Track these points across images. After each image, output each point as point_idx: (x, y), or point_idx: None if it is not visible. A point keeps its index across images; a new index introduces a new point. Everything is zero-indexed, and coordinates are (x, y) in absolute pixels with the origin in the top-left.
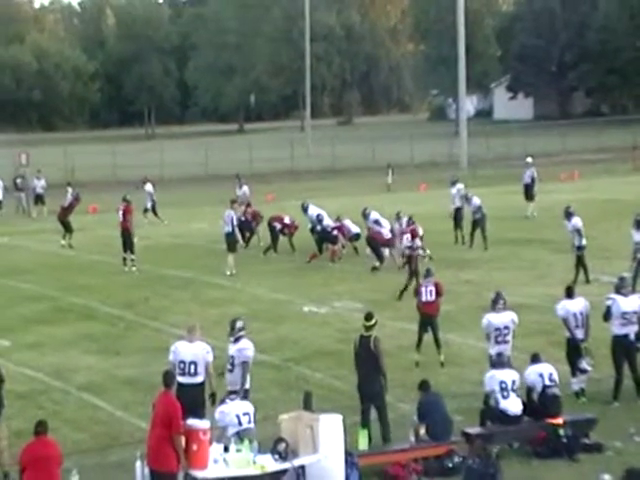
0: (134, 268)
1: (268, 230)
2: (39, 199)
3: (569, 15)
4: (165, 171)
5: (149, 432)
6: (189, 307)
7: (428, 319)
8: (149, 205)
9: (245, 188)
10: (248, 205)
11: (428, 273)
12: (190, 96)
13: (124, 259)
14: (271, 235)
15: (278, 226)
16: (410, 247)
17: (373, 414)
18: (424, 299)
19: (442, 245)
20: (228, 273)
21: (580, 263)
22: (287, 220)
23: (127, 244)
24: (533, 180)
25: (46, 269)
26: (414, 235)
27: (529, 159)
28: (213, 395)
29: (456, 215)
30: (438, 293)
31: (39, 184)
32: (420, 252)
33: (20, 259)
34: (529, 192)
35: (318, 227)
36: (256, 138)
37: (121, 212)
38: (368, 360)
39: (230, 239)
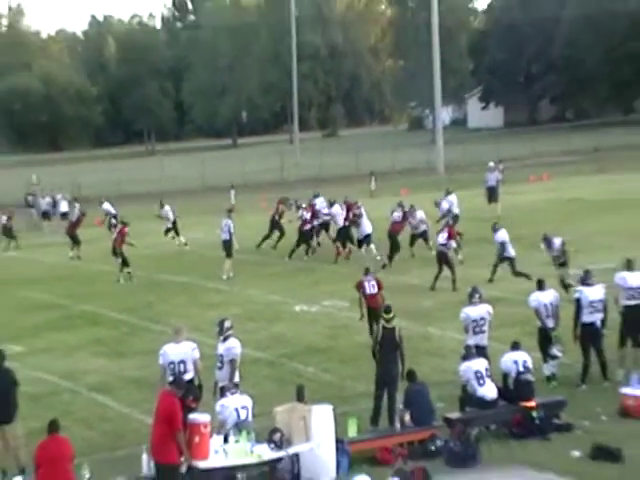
0: (122, 280)
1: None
2: (45, 216)
3: (535, 30)
4: (164, 185)
5: (152, 428)
6: (189, 310)
7: (374, 311)
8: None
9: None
10: (280, 202)
11: (367, 271)
12: (186, 114)
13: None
14: (302, 236)
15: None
16: (444, 245)
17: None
18: (368, 292)
19: (422, 245)
20: (225, 277)
21: (513, 271)
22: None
23: (123, 261)
24: (498, 183)
25: (56, 279)
26: (451, 235)
27: (491, 163)
28: (200, 387)
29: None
30: (379, 287)
31: (63, 202)
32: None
33: (32, 271)
34: (494, 194)
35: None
36: (248, 151)
37: (117, 232)
38: (393, 349)
39: (227, 245)
